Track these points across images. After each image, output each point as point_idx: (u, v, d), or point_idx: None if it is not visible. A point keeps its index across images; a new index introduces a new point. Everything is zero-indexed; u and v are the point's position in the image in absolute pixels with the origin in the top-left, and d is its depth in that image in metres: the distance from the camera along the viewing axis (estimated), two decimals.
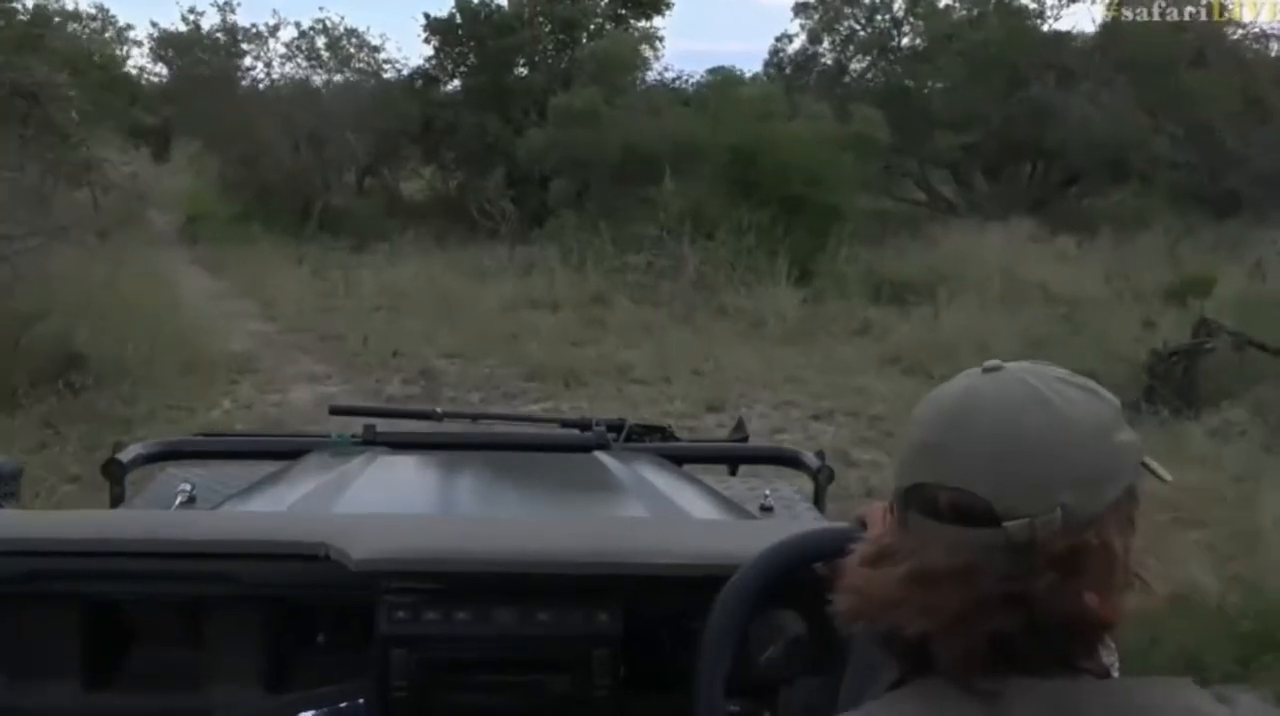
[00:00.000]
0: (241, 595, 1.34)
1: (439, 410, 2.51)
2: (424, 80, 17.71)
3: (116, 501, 2.00)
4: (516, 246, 13.09)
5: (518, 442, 2.27)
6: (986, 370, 0.86)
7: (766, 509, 2.07)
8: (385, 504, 1.71)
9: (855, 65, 19.40)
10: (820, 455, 2.33)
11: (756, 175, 12.22)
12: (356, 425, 2.16)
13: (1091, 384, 0.86)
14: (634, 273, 11.37)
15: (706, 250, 11.48)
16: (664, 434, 2.48)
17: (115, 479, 2.01)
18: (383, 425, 2.16)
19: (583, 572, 1.32)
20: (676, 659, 1.29)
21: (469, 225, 14.55)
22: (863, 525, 1.07)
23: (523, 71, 17.10)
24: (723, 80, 15.74)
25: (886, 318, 10.74)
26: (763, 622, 1.23)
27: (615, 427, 2.31)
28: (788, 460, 2.42)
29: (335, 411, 2.58)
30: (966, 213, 17.59)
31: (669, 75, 17.52)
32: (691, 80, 17.19)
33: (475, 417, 2.63)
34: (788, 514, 2.11)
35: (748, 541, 1.21)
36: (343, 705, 1.31)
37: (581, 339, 9.63)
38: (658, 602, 1.35)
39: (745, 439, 2.66)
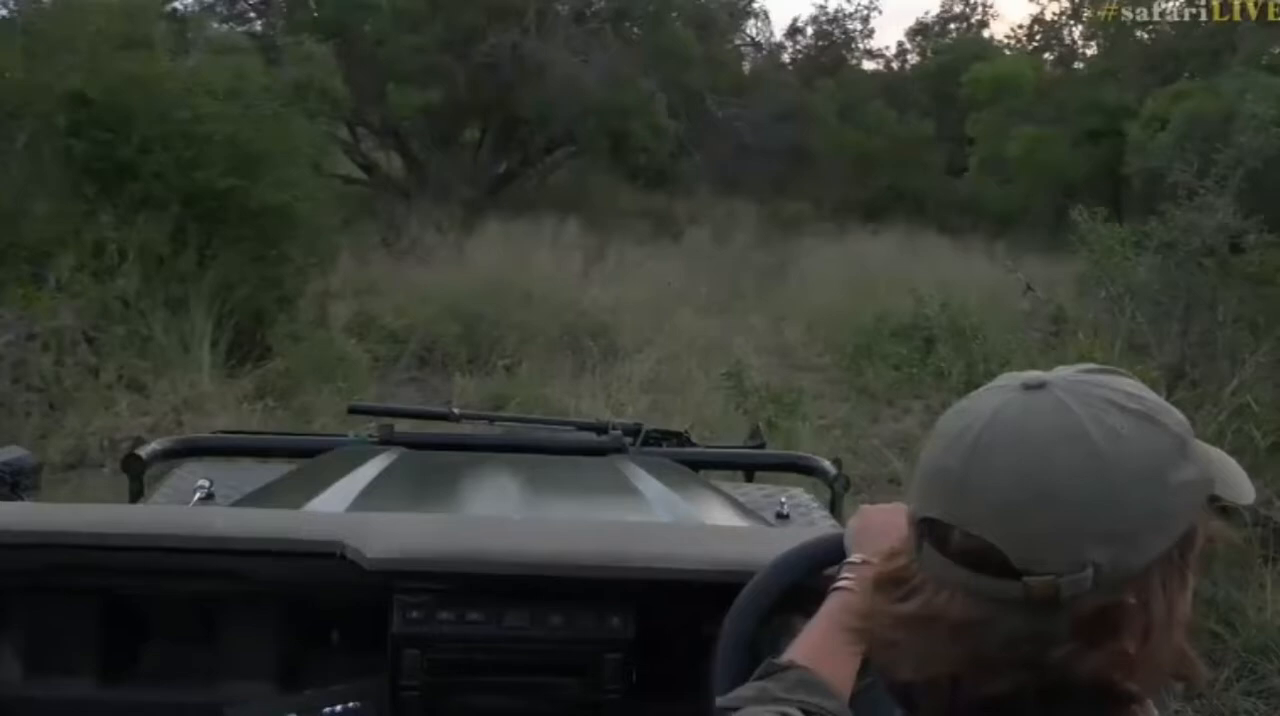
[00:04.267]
0: (256, 592, 1.35)
1: (456, 411, 2.52)
2: None
3: (135, 496, 2.03)
4: None
5: (534, 445, 2.27)
6: (1028, 386, 0.74)
7: (782, 516, 2.05)
8: (401, 504, 1.75)
9: None
10: (837, 462, 2.30)
11: (132, 153, 6.43)
12: (374, 425, 2.17)
13: (1152, 406, 0.73)
14: None
15: (36, 302, 5.58)
16: (680, 439, 2.46)
17: (134, 474, 2.03)
18: (400, 425, 2.20)
19: (597, 576, 1.33)
20: (689, 665, 1.30)
21: None
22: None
23: None
24: None
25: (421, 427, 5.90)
26: (777, 629, 1.16)
27: (632, 432, 2.33)
28: (804, 467, 2.42)
29: (354, 411, 2.70)
30: (419, 192, 13.53)
31: None
32: None
33: (492, 419, 2.71)
34: (804, 521, 2.10)
35: (763, 548, 1.21)
36: (354, 704, 1.33)
37: None
38: (671, 608, 1.35)
39: (762, 446, 2.64)
